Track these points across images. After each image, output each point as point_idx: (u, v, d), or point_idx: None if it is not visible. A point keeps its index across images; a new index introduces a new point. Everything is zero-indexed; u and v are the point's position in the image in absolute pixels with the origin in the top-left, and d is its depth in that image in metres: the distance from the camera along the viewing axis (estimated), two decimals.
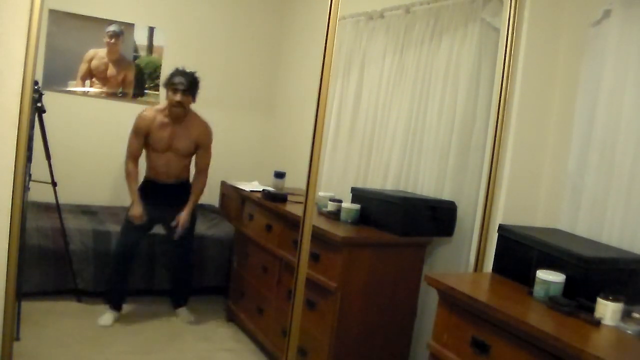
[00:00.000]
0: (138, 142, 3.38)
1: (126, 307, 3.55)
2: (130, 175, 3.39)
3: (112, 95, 4.35)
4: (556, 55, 2.47)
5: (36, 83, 2.40)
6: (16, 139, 1.94)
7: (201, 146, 3.48)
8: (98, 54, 4.27)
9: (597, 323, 1.64)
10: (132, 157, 3.39)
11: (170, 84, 3.31)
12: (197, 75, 3.38)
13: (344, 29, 3.66)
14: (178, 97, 3.26)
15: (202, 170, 3.55)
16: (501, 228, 2.24)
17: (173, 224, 3.40)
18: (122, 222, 3.50)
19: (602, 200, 2.16)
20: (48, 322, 3.24)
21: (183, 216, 3.42)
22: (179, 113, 3.34)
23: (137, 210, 3.35)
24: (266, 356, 3.21)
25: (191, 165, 3.57)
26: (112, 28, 4.28)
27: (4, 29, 1.91)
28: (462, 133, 2.78)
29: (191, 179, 3.60)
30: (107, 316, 3.39)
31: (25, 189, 2.47)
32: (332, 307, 2.57)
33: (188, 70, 3.36)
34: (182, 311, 3.66)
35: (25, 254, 3.19)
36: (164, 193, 3.47)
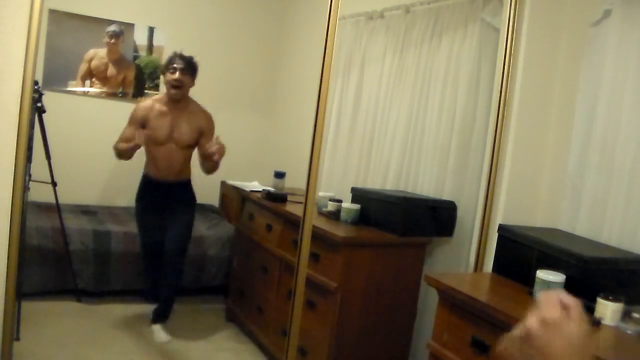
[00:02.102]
0: (132, 131, 3.14)
1: (126, 308, 3.55)
2: (121, 146, 3.13)
3: (112, 95, 4.35)
4: (556, 55, 2.46)
5: (36, 83, 2.39)
6: (16, 139, 1.94)
7: (205, 134, 3.24)
8: (98, 54, 4.27)
9: (597, 323, 1.64)
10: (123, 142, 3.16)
11: (167, 67, 3.20)
12: (195, 59, 3.27)
13: (344, 29, 3.66)
14: (176, 75, 3.14)
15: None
16: (501, 228, 2.24)
17: (211, 148, 3.03)
18: (138, 231, 3.39)
19: (602, 200, 2.16)
20: (48, 322, 3.24)
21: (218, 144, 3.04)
22: (178, 94, 3.18)
23: (139, 132, 3.07)
24: (266, 356, 3.21)
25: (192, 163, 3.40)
26: (112, 28, 4.28)
27: (4, 28, 1.91)
28: (462, 133, 2.78)
29: (192, 180, 3.44)
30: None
31: (25, 189, 2.47)
32: (332, 307, 2.56)
33: (186, 55, 3.27)
34: (157, 329, 3.22)
35: (25, 254, 3.19)
36: (165, 193, 3.30)
